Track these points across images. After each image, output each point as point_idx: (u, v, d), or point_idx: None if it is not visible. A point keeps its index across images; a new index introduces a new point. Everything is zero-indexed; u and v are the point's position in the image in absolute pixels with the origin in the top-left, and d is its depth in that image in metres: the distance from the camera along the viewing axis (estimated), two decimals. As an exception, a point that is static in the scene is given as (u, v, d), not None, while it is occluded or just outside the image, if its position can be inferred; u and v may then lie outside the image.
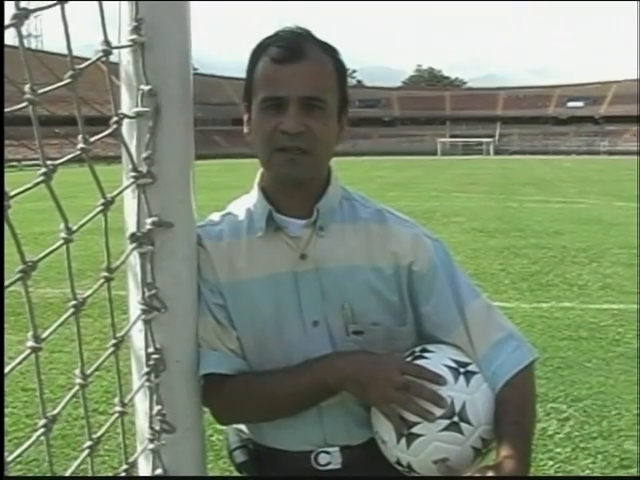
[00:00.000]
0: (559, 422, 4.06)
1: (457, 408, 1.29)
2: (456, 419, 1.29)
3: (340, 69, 1.39)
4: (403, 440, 1.30)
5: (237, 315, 1.41)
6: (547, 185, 24.58)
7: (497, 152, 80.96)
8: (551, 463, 3.57)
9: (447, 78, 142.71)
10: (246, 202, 1.48)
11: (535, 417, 1.42)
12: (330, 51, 1.38)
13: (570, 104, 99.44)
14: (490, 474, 1.21)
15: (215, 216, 1.50)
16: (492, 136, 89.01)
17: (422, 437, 1.29)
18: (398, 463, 1.34)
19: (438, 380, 1.30)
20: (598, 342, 5.62)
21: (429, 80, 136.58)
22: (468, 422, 1.29)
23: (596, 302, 6.95)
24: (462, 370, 1.34)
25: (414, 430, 1.29)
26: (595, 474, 3.49)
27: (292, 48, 1.32)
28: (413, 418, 1.29)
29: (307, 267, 1.40)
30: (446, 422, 1.28)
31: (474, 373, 1.35)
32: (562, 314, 6.49)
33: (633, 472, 3.49)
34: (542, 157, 67.05)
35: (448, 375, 1.32)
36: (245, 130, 1.42)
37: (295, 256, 1.40)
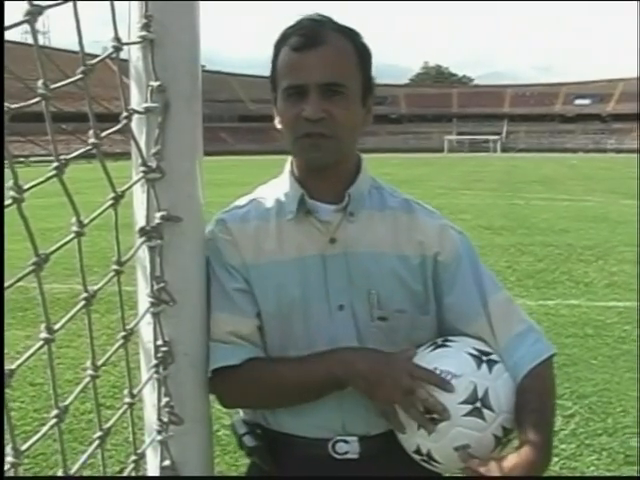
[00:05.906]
0: (564, 419, 4.07)
1: (480, 394, 1.30)
2: (478, 405, 1.29)
3: (362, 53, 1.39)
4: None
5: (262, 296, 1.41)
6: (553, 183, 24.52)
7: (504, 150, 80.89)
8: (556, 459, 3.57)
9: (454, 75, 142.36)
10: (274, 187, 1.50)
11: (555, 408, 1.42)
12: (351, 35, 1.38)
13: (577, 102, 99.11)
14: (511, 461, 1.23)
15: (241, 201, 1.51)
16: (499, 133, 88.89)
17: (444, 422, 1.29)
18: (417, 452, 1.34)
19: (446, 386, 1.30)
20: (604, 339, 5.62)
21: (436, 77, 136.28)
22: (490, 408, 1.30)
23: (602, 300, 6.95)
24: (485, 358, 1.35)
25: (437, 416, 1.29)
26: (600, 471, 3.50)
27: (310, 35, 1.34)
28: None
29: (336, 251, 1.41)
30: (469, 407, 1.29)
31: (496, 362, 1.36)
32: (568, 311, 6.49)
33: (638, 469, 3.49)
34: (549, 155, 66.90)
35: (471, 362, 1.33)
36: (275, 121, 1.42)
37: (324, 240, 1.41)
